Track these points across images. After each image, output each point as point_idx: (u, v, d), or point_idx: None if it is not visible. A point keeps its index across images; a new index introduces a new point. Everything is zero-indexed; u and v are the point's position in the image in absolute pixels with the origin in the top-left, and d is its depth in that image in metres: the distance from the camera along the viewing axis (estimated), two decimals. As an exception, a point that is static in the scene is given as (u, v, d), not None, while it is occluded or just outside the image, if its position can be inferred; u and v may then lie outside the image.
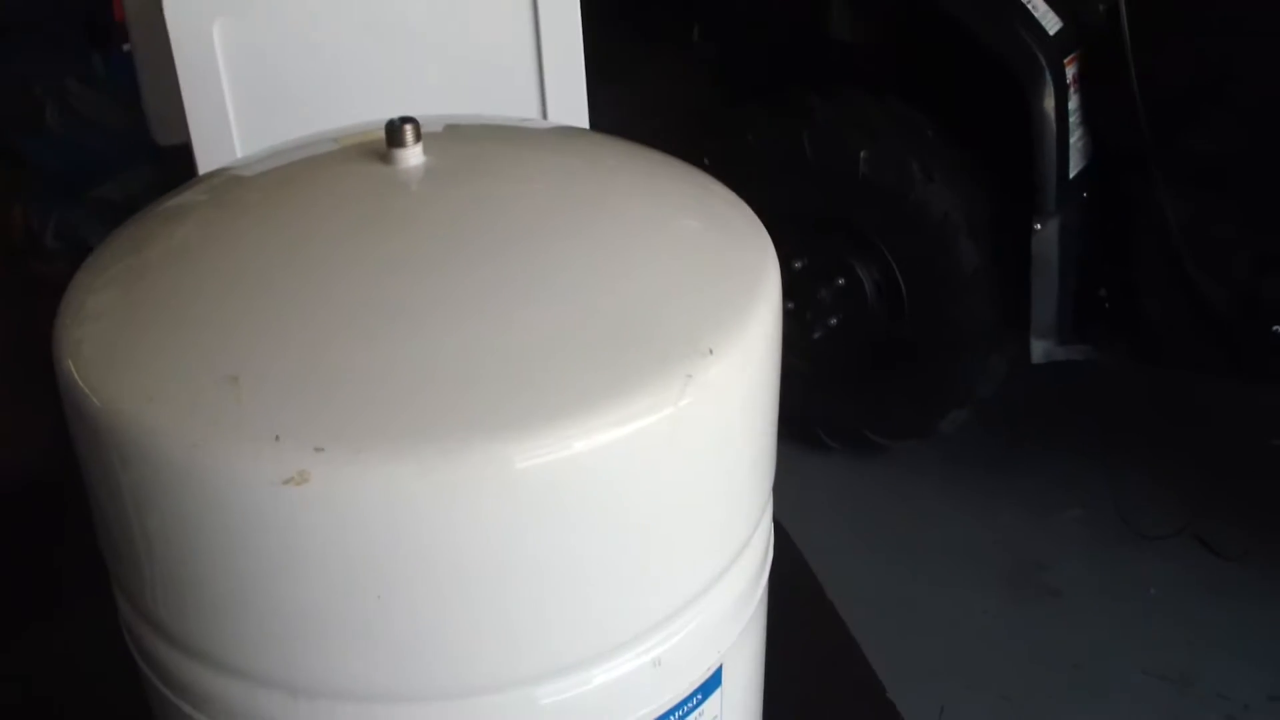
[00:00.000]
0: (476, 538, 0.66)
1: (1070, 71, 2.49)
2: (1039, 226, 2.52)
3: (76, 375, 0.72)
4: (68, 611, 1.42)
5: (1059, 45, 2.48)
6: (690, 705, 0.79)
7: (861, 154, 2.67)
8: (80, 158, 2.12)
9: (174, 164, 1.79)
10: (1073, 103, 2.50)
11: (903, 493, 2.88)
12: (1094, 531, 2.72)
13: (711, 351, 0.70)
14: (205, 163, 1.28)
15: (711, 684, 0.80)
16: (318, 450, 0.63)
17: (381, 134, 0.83)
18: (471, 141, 0.91)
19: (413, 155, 0.80)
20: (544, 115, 1.35)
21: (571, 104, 1.35)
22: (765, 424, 0.79)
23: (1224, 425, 2.96)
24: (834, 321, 2.76)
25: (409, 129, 0.80)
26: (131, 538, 0.73)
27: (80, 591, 1.42)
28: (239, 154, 1.28)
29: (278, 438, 0.63)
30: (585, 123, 1.36)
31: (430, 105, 0.87)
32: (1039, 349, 2.62)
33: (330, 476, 0.63)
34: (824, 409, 2.80)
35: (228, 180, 0.91)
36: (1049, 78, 2.46)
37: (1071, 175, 2.52)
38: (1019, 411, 3.00)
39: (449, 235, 0.76)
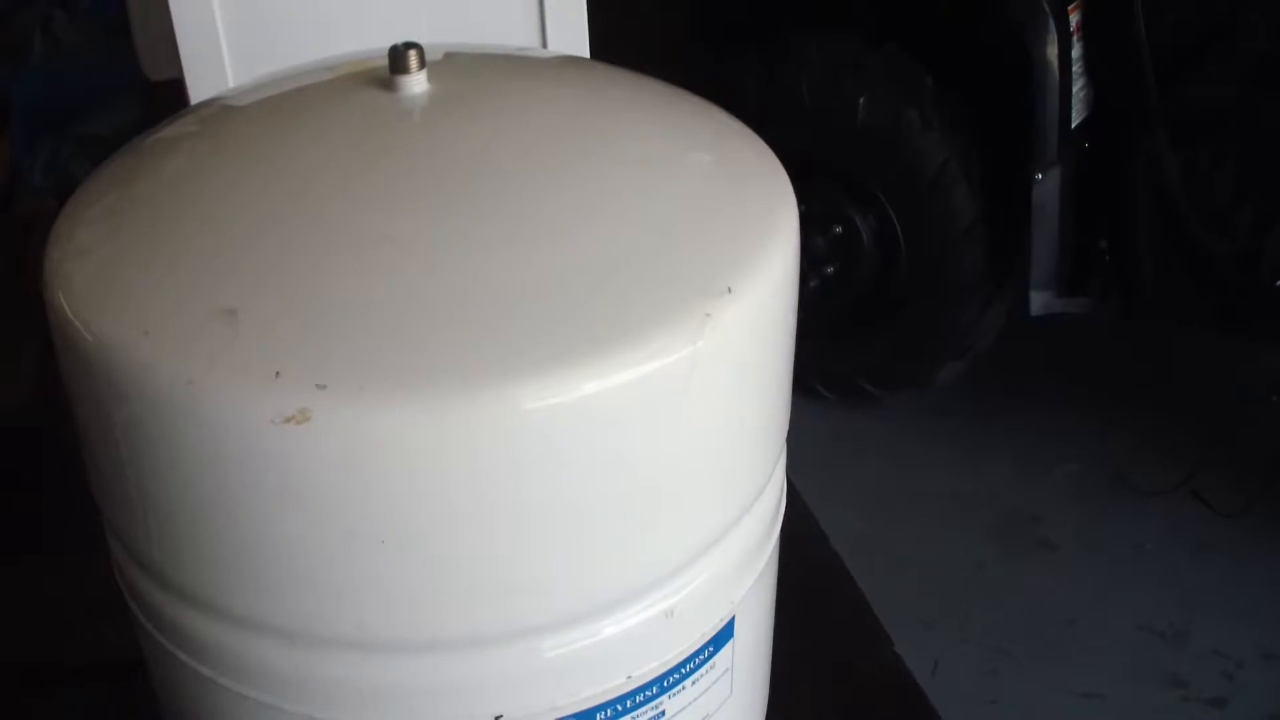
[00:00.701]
0: (484, 482, 0.63)
1: (1074, 20, 2.46)
2: (1040, 177, 2.50)
3: (68, 309, 0.69)
4: (54, 554, 1.39)
5: (1063, -8, 2.46)
6: (701, 658, 0.76)
7: (860, 101, 2.65)
8: (67, 91, 2.08)
9: (164, 99, 1.76)
10: (1075, 51, 2.47)
11: (897, 444, 2.88)
12: (1089, 486, 2.72)
13: (730, 290, 0.67)
14: (198, 94, 1.24)
15: (723, 636, 0.77)
16: (319, 387, 0.60)
17: (379, 63, 0.80)
18: (476, 70, 0.87)
19: (416, 82, 0.77)
20: (544, 44, 1.31)
21: (572, 34, 1.32)
22: (782, 367, 0.77)
23: (1221, 381, 2.95)
24: (830, 270, 2.74)
25: (413, 54, 0.76)
26: (124, 478, 0.70)
27: (66, 533, 1.40)
28: (231, 85, 1.25)
29: (278, 374, 0.60)
30: (586, 54, 1.33)
31: (428, 34, 0.84)
32: (1037, 301, 2.61)
33: (332, 415, 0.60)
34: (819, 358, 2.78)
35: (220, 110, 0.88)
36: (1052, 25, 2.44)
37: (1073, 126, 2.50)
38: (1015, 364, 2.98)
39: (456, 167, 0.73)
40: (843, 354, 2.82)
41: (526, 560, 0.66)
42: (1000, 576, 2.55)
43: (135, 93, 1.96)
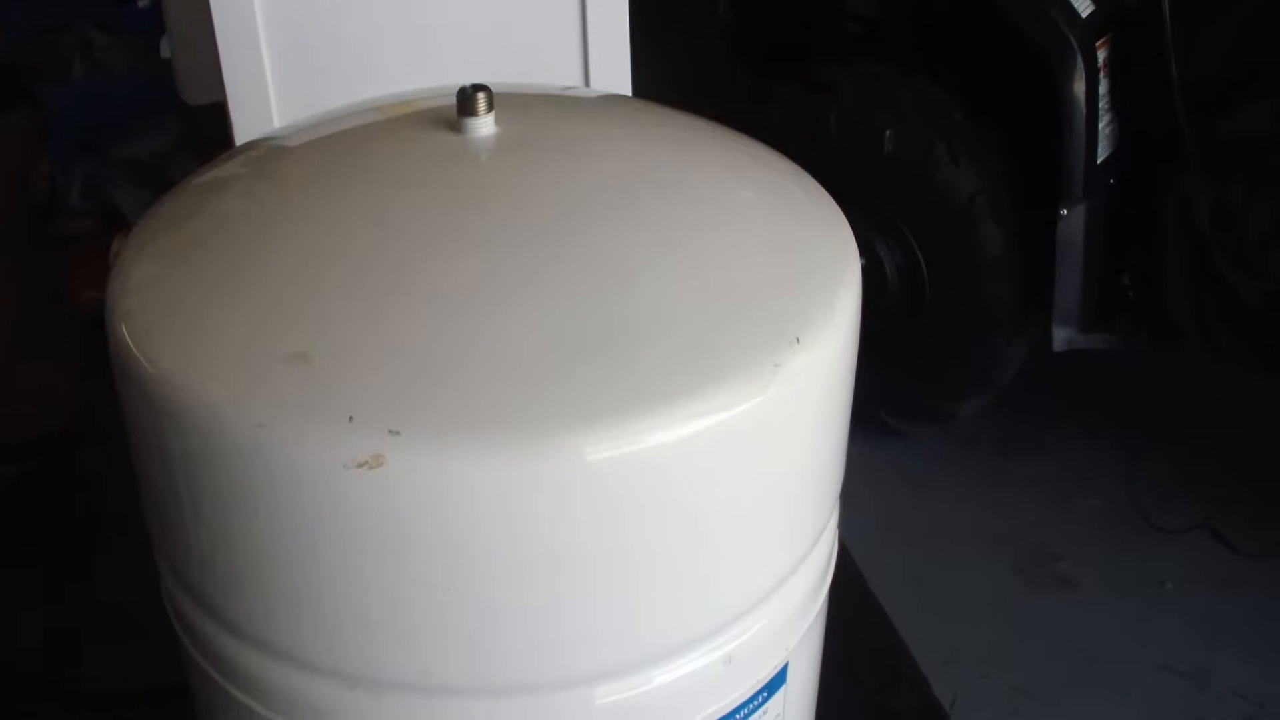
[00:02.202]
0: (552, 530, 0.63)
1: (1101, 55, 2.46)
2: (1065, 212, 2.50)
3: (131, 343, 0.69)
4: (88, 576, 1.40)
5: (1091, 28, 2.45)
6: (756, 703, 0.76)
7: (887, 133, 2.64)
8: (106, 112, 2.09)
9: (202, 123, 1.77)
10: (1103, 87, 2.47)
11: (917, 478, 2.87)
12: (1110, 523, 2.71)
13: (799, 340, 0.67)
14: (241, 123, 1.25)
15: (777, 682, 0.77)
16: (393, 433, 0.60)
17: (430, 103, 0.80)
18: (539, 111, 0.87)
19: (484, 125, 0.77)
20: (586, 82, 1.31)
21: (615, 72, 1.32)
22: (843, 417, 0.76)
23: (1244, 419, 2.94)
24: (854, 302, 2.73)
25: (482, 97, 0.76)
26: (181, 512, 0.70)
27: (102, 555, 1.40)
28: (275, 115, 1.25)
29: (351, 419, 0.60)
30: (629, 92, 1.33)
31: (473, 72, 0.84)
32: (1061, 336, 2.60)
33: (406, 461, 0.59)
34: (841, 391, 2.78)
35: (273, 150, 0.88)
36: (1080, 61, 2.43)
37: (1099, 161, 2.50)
38: (1037, 399, 2.98)
39: (525, 211, 0.73)
40: (864, 387, 2.81)
41: (591, 608, 0.66)
42: (1021, 613, 2.54)
43: (174, 116, 1.97)
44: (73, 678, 1.27)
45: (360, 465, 0.59)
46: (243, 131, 1.23)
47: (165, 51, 1.82)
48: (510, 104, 0.80)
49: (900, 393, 2.82)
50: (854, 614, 1.21)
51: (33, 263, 1.90)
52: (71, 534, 1.50)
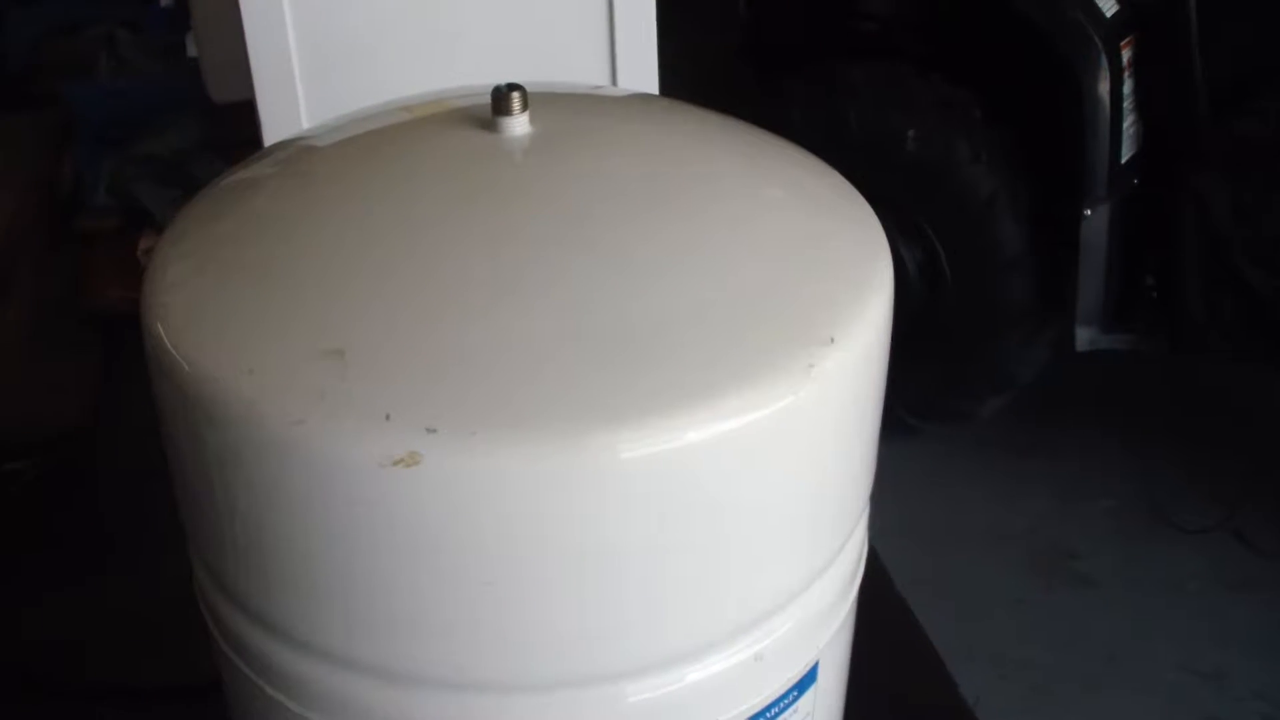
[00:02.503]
0: (586, 527, 0.63)
1: (1125, 55, 2.45)
2: (1088, 213, 2.49)
3: (166, 340, 0.69)
4: (111, 571, 1.40)
5: (1115, 28, 2.45)
6: (786, 702, 0.76)
7: (909, 133, 2.64)
8: (130, 110, 2.09)
9: (225, 121, 1.77)
10: (1126, 87, 2.46)
11: (935, 477, 2.87)
12: (1129, 522, 2.71)
13: (833, 340, 0.67)
14: (269, 121, 1.25)
15: (807, 680, 0.77)
16: (430, 431, 0.60)
17: (458, 103, 0.81)
18: (572, 110, 0.88)
19: (519, 124, 0.77)
20: (614, 82, 1.32)
21: (642, 72, 1.32)
22: (875, 416, 0.77)
23: (1265, 419, 2.93)
24: (875, 301, 2.73)
25: (516, 96, 0.77)
26: (217, 511, 0.70)
27: (125, 550, 1.41)
28: (303, 113, 1.25)
29: (388, 416, 0.60)
30: (656, 91, 1.33)
31: (501, 72, 0.84)
32: (1083, 336, 2.60)
33: (443, 459, 0.60)
34: (860, 390, 2.77)
35: (302, 150, 0.88)
36: (1104, 62, 2.43)
37: (1123, 161, 2.49)
38: (1056, 398, 2.97)
39: (559, 210, 0.73)
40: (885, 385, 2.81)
41: (625, 604, 0.66)
42: (1038, 612, 2.54)
43: (197, 114, 1.98)
44: (87, 673, 1.28)
45: (397, 463, 0.60)
46: (271, 129, 1.24)
47: (191, 50, 1.83)
48: (543, 103, 0.80)
49: (921, 392, 2.82)
50: (881, 614, 1.21)
51: (55, 260, 1.91)
52: (91, 530, 1.50)
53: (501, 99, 0.77)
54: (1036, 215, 2.61)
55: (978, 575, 2.59)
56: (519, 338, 0.65)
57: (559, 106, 0.85)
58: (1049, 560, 2.66)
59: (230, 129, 1.58)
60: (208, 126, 1.97)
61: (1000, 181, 2.60)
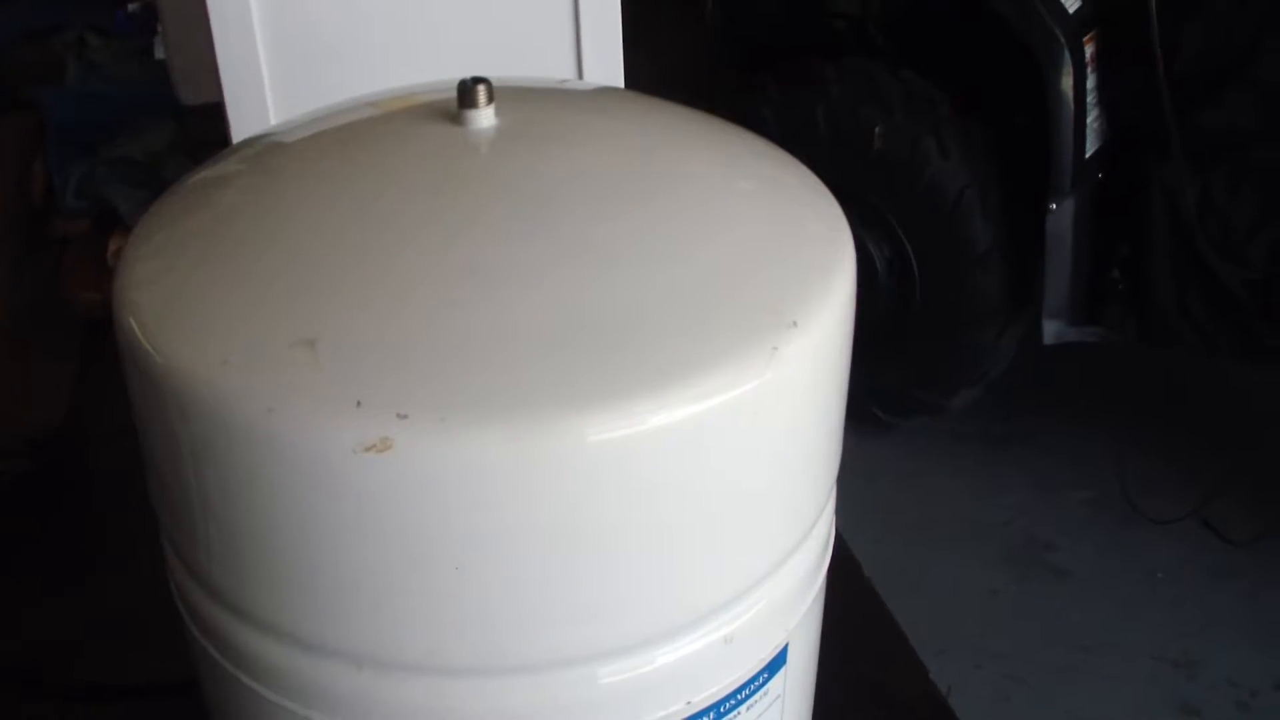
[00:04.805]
0: (555, 511, 0.64)
1: (1089, 50, 2.47)
2: (1054, 206, 2.51)
3: (139, 333, 0.70)
4: (92, 570, 1.41)
5: (1078, 23, 2.47)
6: (756, 684, 0.77)
7: (876, 129, 2.66)
8: (101, 113, 2.10)
9: (195, 122, 1.78)
10: (1090, 81, 2.48)
11: (909, 470, 2.88)
12: (1102, 513, 2.73)
13: (796, 324, 0.68)
14: (238, 122, 1.26)
15: (777, 662, 0.78)
16: (401, 417, 0.61)
17: (425, 97, 0.81)
18: (538, 103, 0.89)
19: (484, 116, 0.78)
20: (580, 76, 1.33)
21: (607, 65, 1.33)
22: (840, 398, 0.78)
23: (1234, 410, 2.96)
24: (845, 297, 2.74)
25: (482, 89, 0.78)
26: (190, 500, 0.71)
27: (110, 548, 1.41)
28: (272, 113, 1.26)
29: (359, 403, 0.61)
30: (621, 85, 1.34)
31: (467, 66, 0.85)
32: (1050, 329, 2.62)
33: (414, 444, 0.61)
34: (833, 385, 2.79)
35: (270, 146, 0.89)
36: (1068, 56, 2.45)
37: (1088, 155, 2.51)
38: (1028, 390, 2.99)
39: (526, 200, 0.74)
40: (855, 381, 2.81)
41: (595, 587, 0.67)
42: (1013, 603, 2.56)
43: (168, 116, 1.98)
44: (73, 675, 1.28)
45: (369, 449, 0.61)
46: (240, 130, 1.24)
47: (160, 53, 1.83)
48: (508, 96, 0.81)
49: (892, 387, 2.83)
50: (851, 601, 1.23)
51: (29, 263, 1.91)
52: (70, 532, 1.51)
53: (467, 92, 0.78)
54: (1005, 210, 2.63)
55: (953, 567, 2.61)
56: (486, 325, 0.66)
57: (525, 100, 0.86)
58: (1023, 552, 2.67)
59: (200, 131, 1.59)
60: (178, 129, 1.98)
61: (969, 177, 2.62)
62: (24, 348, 1.77)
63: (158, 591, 0.86)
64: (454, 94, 0.80)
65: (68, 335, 1.76)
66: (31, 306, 1.85)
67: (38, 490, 1.57)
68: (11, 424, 1.64)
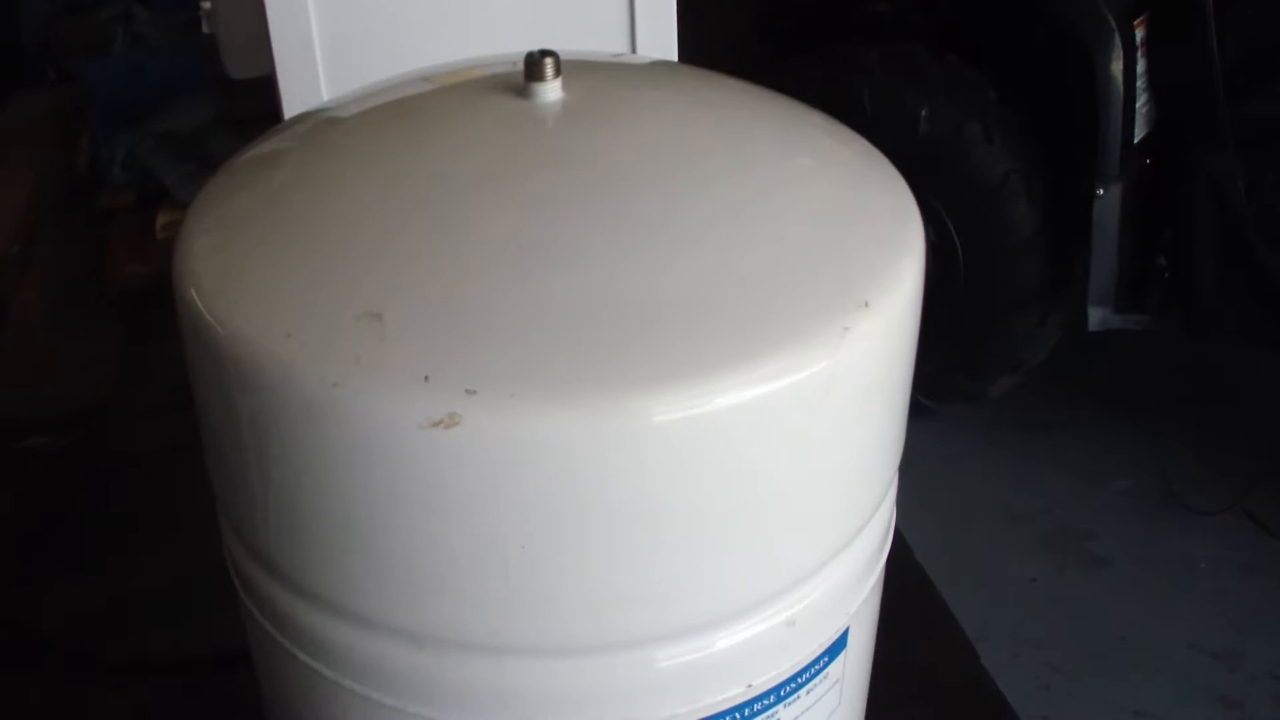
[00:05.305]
0: (621, 490, 0.63)
1: (1139, 34, 2.44)
2: (1101, 193, 2.48)
3: (200, 304, 0.69)
4: (137, 545, 1.41)
5: (1129, 7, 2.44)
6: (817, 667, 0.76)
7: (922, 113, 2.63)
8: (147, 87, 2.10)
9: (240, 96, 1.77)
10: (1140, 66, 2.45)
11: (949, 456, 2.86)
12: (1142, 503, 2.70)
13: (868, 304, 0.67)
14: (289, 97, 1.25)
15: (838, 646, 0.78)
16: (469, 393, 0.60)
17: (482, 71, 0.81)
18: (599, 77, 0.88)
19: (552, 90, 0.77)
20: (633, 50, 1.32)
21: (661, 41, 1.32)
22: (906, 381, 0.77)
23: (1276, 400, 2.93)
24: (887, 281, 2.72)
25: (549, 62, 0.77)
26: (250, 475, 0.71)
27: (155, 521, 1.42)
28: (324, 87, 1.26)
29: (427, 378, 0.61)
30: (675, 59, 1.33)
31: (521, 41, 0.84)
32: (1095, 316, 2.59)
33: (482, 420, 0.60)
34: (873, 370, 2.77)
35: (326, 121, 0.88)
36: (1117, 40, 2.42)
37: (1136, 141, 2.49)
38: (1069, 378, 2.97)
39: (594, 174, 0.73)
40: (896, 365, 2.81)
41: (659, 568, 0.66)
42: (1052, 591, 2.54)
43: (213, 90, 1.98)
44: (114, 648, 1.28)
45: (436, 424, 0.60)
46: (291, 104, 1.24)
47: (206, 27, 1.83)
48: (571, 70, 0.80)
49: (932, 372, 2.81)
50: (904, 585, 1.22)
51: (74, 238, 1.91)
52: (112, 506, 1.51)
53: (534, 65, 0.77)
54: (1050, 195, 2.60)
55: (992, 555, 2.59)
56: (556, 302, 0.65)
57: (587, 73, 0.85)
58: (1062, 540, 2.65)
59: (246, 104, 1.59)
60: (224, 102, 1.97)
61: (1013, 162, 2.59)
62: (67, 323, 1.77)
63: (199, 566, 0.86)
64: (515, 67, 0.79)
65: (110, 309, 1.77)
66: (75, 281, 1.85)
67: (79, 465, 1.57)
68: (54, 397, 1.64)
